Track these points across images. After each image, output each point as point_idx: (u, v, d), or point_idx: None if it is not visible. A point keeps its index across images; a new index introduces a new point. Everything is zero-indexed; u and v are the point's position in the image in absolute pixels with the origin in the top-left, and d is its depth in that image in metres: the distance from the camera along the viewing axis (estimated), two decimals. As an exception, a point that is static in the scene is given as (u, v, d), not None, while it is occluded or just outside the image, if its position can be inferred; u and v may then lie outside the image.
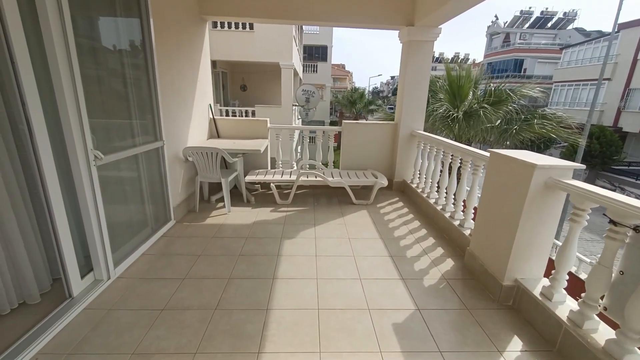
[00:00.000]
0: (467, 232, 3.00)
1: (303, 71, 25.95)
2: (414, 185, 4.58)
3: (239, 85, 15.25)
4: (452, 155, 3.54)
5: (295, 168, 4.92)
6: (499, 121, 8.29)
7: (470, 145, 7.52)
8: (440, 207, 3.67)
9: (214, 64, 10.70)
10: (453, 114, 7.39)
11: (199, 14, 4.14)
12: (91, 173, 2.15)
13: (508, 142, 7.90)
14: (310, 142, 4.96)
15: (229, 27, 9.35)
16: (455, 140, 8.18)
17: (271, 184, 4.24)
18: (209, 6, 4.15)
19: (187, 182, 3.86)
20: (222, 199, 4.30)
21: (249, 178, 4.23)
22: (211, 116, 4.69)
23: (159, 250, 2.94)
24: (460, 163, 3.33)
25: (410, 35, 4.31)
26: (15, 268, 1.98)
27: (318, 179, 4.23)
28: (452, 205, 3.51)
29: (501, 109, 7.30)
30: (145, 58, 2.90)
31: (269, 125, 4.77)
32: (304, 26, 24.66)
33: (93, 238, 2.24)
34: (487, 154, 2.60)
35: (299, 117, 16.15)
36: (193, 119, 4.03)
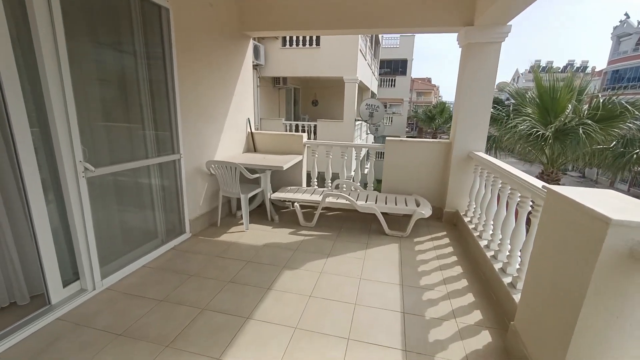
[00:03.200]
0: (517, 297, 2.15)
1: (380, 86, 25.53)
2: (467, 219, 3.70)
3: (311, 100, 15.71)
4: (511, 189, 2.67)
5: (329, 188, 4.53)
6: (613, 143, 6.42)
7: (565, 172, 5.99)
8: (492, 253, 2.80)
9: (284, 80, 11.19)
10: (542, 132, 5.97)
11: (239, 31, 4.20)
12: (79, 184, 2.19)
13: (626, 172, 5.98)
14: (368, 160, 4.53)
15: (297, 44, 9.67)
16: (550, 165, 6.64)
17: (295, 204, 3.94)
18: (251, 23, 4.18)
19: (210, 196, 3.86)
20: (250, 213, 4.19)
21: (275, 195, 4.02)
22: (249, 130, 4.69)
23: (160, 264, 2.90)
24: (520, 198, 2.46)
25: (468, 37, 3.56)
26: (7, 267, 2.10)
27: (346, 201, 3.75)
28: (506, 255, 2.62)
29: (614, 127, 5.57)
30: (165, 77, 2.97)
31: (304, 140, 4.52)
32: (383, 40, 24.35)
33: (79, 247, 2.27)
34: (543, 190, 1.80)
35: (368, 132, 15.72)
36: (225, 133, 4.04)
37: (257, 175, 3.74)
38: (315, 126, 10.12)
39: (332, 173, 4.58)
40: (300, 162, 4.51)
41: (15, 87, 1.82)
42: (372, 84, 15.81)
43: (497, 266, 2.59)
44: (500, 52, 3.58)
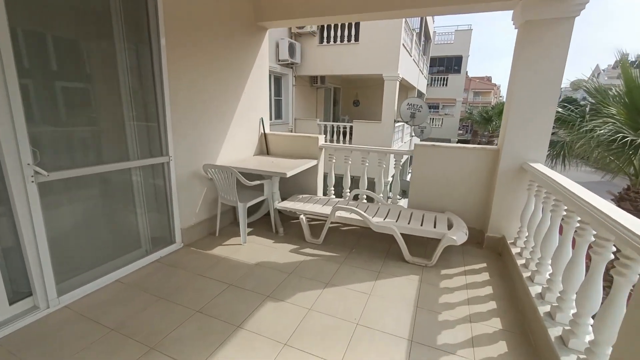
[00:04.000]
0: (584, 397, 1.37)
1: (430, 85, 23.88)
2: (515, 250, 2.85)
3: (352, 100, 15.06)
4: (580, 221, 1.83)
5: (346, 198, 3.93)
6: None
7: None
8: (547, 308, 1.99)
9: (322, 79, 10.76)
10: (630, 138, 4.66)
11: (253, 23, 3.81)
12: (27, 190, 1.93)
13: None
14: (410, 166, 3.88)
15: (334, 40, 9.14)
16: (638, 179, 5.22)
17: (301, 216, 3.42)
18: (266, 12, 3.77)
19: (210, 202, 3.52)
20: (254, 223, 3.80)
21: (281, 205, 3.55)
22: (262, 131, 4.29)
23: (136, 279, 2.60)
24: (596, 238, 1.64)
25: (527, 13, 2.72)
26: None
27: (358, 217, 3.14)
28: (570, 317, 1.81)
29: None
30: (152, 71, 2.66)
31: (320, 143, 3.99)
32: (435, 36, 22.70)
33: (29, 260, 2.01)
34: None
35: (412, 134, 14.62)
36: (231, 134, 3.69)
37: (257, 182, 3.30)
38: (351, 127, 9.51)
39: (366, 180, 3.98)
40: (315, 167, 3.99)
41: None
42: (420, 82, 14.63)
43: (555, 332, 1.79)
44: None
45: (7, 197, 1.90)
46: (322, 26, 9.29)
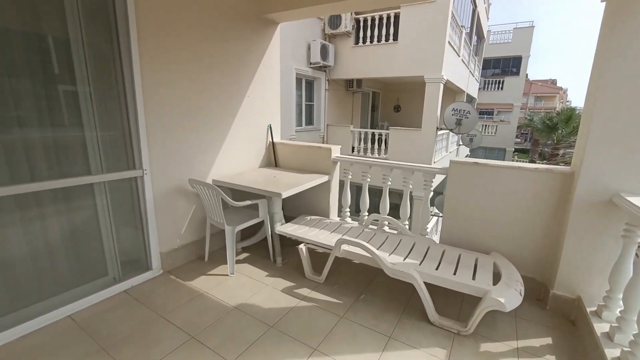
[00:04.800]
0: None
1: (483, 88, 21.88)
2: (598, 322, 1.91)
3: (393, 105, 14.12)
4: None
5: (363, 223, 3.22)
6: None
7: None
8: None
9: (358, 83, 10.07)
10: None
11: (257, 15, 3.30)
12: None
13: None
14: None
15: (371, 40, 8.40)
16: None
17: (300, 246, 2.79)
18: (271, 3, 3.24)
19: (200, 222, 3.05)
20: (252, 247, 3.27)
21: (281, 229, 2.96)
22: (270, 139, 3.76)
23: (89, 316, 2.17)
24: None
25: (627, -28, 1.82)
26: None
27: (366, 254, 2.42)
28: None
29: None
30: (120, 72, 2.25)
31: (333, 155, 3.34)
32: (490, 35, 20.71)
33: (-60, 298, 1.66)
34: None
35: (460, 143, 13.24)
36: (229, 143, 3.20)
37: (246, 203, 2.74)
38: (387, 135, 8.66)
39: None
40: (328, 183, 3.34)
41: None
42: (470, 85, 13.18)
43: None
44: None
45: None
46: (358, 26, 8.62)
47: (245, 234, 3.38)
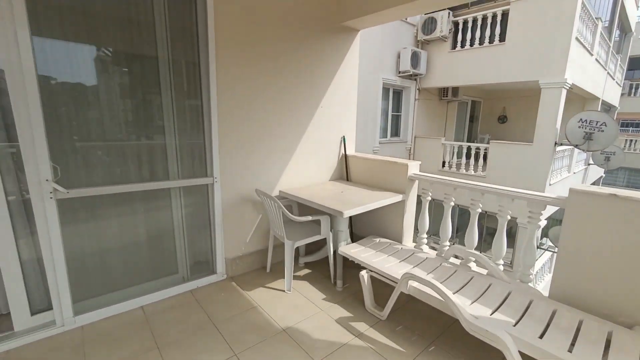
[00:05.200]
0: None
1: (628, 93, 17.34)
2: None
3: (497, 116, 12.34)
4: None
5: (442, 254, 2.70)
6: None
7: None
8: None
9: (454, 91, 9.09)
10: None
11: (336, 23, 3.17)
12: (45, 206, 1.88)
13: None
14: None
15: (471, 44, 7.40)
16: None
17: (362, 272, 2.47)
18: (350, 9, 3.07)
19: (266, 232, 3.04)
20: (315, 264, 3.13)
21: (344, 249, 2.72)
22: (343, 152, 3.57)
23: (156, 310, 2.33)
24: None
25: None
26: None
27: (440, 298, 1.95)
28: None
29: None
30: (198, 83, 2.41)
31: (409, 173, 2.93)
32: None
33: (47, 276, 1.97)
34: None
35: (590, 162, 10.67)
36: (300, 154, 3.15)
37: (307, 218, 2.59)
38: (486, 150, 7.47)
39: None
40: (402, 204, 2.95)
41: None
42: (608, 90, 10.45)
43: None
44: None
45: (31, 211, 1.90)
46: (456, 29, 7.79)
47: (310, 248, 3.26)
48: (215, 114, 2.47)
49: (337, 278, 2.75)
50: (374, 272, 2.44)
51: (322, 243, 3.05)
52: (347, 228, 2.87)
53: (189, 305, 2.41)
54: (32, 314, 2.01)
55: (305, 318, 2.29)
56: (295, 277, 2.89)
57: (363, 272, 2.47)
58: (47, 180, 1.86)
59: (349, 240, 2.89)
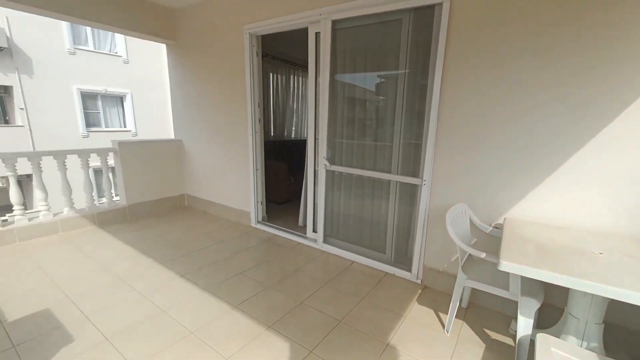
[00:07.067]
0: None
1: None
2: None
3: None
4: None
5: None
6: None
7: None
8: None
9: None
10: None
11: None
12: (317, 172, 3.24)
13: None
14: None
15: None
16: None
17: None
18: None
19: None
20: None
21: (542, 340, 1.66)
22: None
23: (359, 268, 3.02)
24: None
25: None
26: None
27: None
28: None
29: None
30: (422, 97, 2.52)
31: None
32: None
33: (317, 214, 3.40)
34: None
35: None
36: (566, 169, 2.09)
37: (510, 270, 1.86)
38: None
39: None
40: None
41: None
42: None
43: None
44: None
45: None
46: None
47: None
48: (434, 119, 2.48)
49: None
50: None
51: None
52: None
53: (377, 288, 2.71)
54: (312, 231, 3.56)
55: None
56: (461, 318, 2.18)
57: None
58: (323, 157, 3.18)
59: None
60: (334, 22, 2.91)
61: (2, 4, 3.08)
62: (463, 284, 2.06)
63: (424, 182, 2.62)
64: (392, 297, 2.57)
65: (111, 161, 4.31)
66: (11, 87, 9.62)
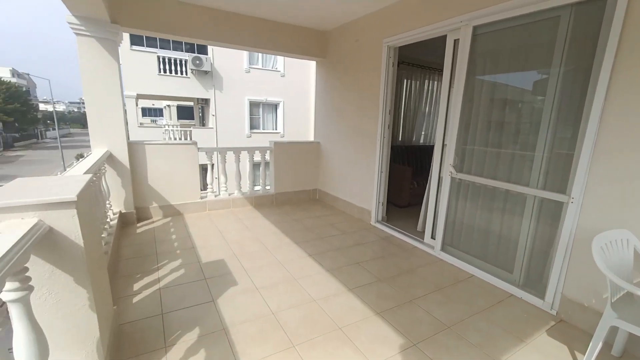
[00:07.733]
0: None
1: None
2: None
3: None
4: None
5: None
6: None
7: None
8: None
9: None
10: None
11: None
12: (442, 179, 3.21)
13: None
14: None
15: None
16: None
17: None
18: None
19: None
20: None
21: None
22: None
23: (479, 283, 2.86)
24: None
25: None
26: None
27: None
28: None
29: None
30: (580, 104, 2.16)
31: None
32: None
33: (438, 220, 3.37)
34: None
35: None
36: None
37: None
38: None
39: None
40: None
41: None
42: None
43: None
44: None
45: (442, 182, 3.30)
46: None
47: None
48: (593, 130, 2.12)
49: None
50: None
51: None
52: None
53: (501, 301, 2.60)
54: (431, 237, 3.54)
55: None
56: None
57: None
58: (450, 164, 3.14)
59: None
60: (475, 28, 2.85)
61: (214, 44, 4.44)
62: (610, 322, 1.73)
63: (572, 200, 2.27)
64: (513, 320, 2.35)
65: (266, 157, 5.45)
66: (209, 99, 13.21)
